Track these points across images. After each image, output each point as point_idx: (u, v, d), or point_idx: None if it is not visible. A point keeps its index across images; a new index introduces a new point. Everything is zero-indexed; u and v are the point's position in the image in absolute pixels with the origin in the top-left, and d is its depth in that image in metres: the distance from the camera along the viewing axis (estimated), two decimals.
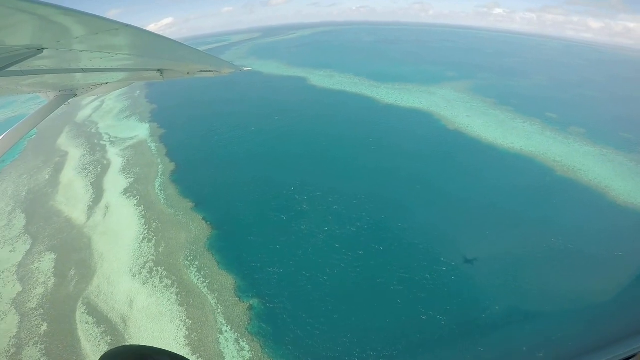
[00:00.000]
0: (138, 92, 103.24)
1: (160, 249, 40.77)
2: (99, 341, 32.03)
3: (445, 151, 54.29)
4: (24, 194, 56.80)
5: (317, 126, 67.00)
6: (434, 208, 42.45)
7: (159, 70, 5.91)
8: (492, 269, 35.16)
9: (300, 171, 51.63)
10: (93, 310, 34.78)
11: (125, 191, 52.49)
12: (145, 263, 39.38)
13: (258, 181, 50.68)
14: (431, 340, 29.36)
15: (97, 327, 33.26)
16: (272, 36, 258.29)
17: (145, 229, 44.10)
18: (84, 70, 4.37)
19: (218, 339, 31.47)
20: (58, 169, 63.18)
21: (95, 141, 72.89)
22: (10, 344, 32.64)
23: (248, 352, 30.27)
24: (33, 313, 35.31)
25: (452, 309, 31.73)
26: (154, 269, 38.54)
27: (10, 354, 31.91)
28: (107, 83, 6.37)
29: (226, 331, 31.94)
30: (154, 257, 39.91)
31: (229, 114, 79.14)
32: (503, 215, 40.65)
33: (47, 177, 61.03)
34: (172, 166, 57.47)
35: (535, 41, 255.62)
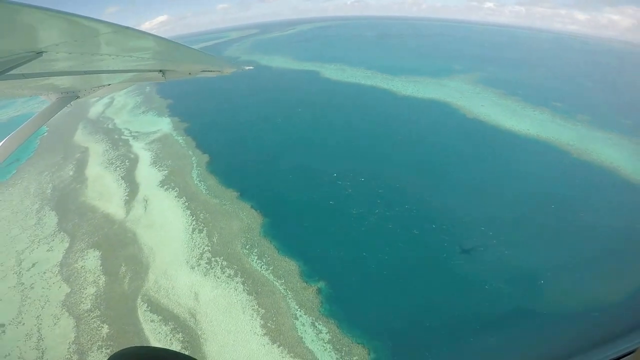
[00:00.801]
0: (148, 88, 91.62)
1: (215, 239, 35.15)
2: (170, 339, 26.66)
3: (471, 138, 51.52)
4: (49, 190, 47.90)
5: (341, 117, 61.85)
6: (471, 190, 39.75)
7: (160, 71, 5.09)
8: (534, 243, 33.09)
9: (337, 159, 46.91)
10: (156, 307, 29.08)
11: (162, 183, 45.37)
12: (201, 254, 33.71)
13: (297, 170, 45.48)
14: (496, 308, 26.80)
15: (165, 325, 27.73)
16: (271, 32, 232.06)
17: (193, 220, 38.01)
18: (85, 73, 3.85)
19: (294, 324, 27.19)
20: (81, 164, 54.05)
21: (116, 136, 63.32)
22: (71, 350, 26.50)
23: (326, 334, 26.31)
24: (89, 315, 29.05)
25: (511, 279, 29.30)
26: (213, 259, 33.06)
27: (78, 358, 25.78)
28: (109, 84, 5.44)
29: (301, 316, 27.68)
30: (209, 248, 34.28)
31: (249, 107, 71.61)
32: (535, 194, 38.66)
33: (70, 173, 51.96)
34: (205, 158, 50.53)
35: (526, 34, 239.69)
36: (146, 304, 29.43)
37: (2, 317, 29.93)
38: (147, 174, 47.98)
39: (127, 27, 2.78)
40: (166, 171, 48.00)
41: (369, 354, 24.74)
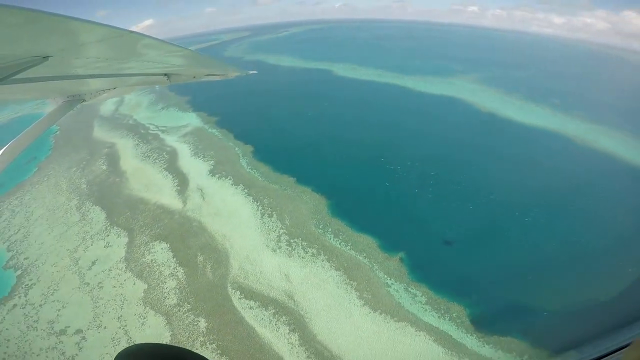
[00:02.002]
0: (158, 86, 76.24)
1: (287, 222, 29.69)
2: (275, 323, 21.76)
3: (490, 129, 49.24)
4: (84, 186, 37.34)
5: (366, 110, 55.99)
6: (506, 171, 37.86)
7: (165, 74, 4.18)
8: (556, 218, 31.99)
9: (376, 148, 42.51)
10: (250, 294, 23.65)
11: (212, 173, 37.56)
12: (278, 237, 28.23)
13: (344, 156, 40.67)
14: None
15: (265, 310, 22.61)
16: (264, 34, 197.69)
17: (258, 206, 31.81)
18: (91, 77, 3.31)
19: (389, 292, 23.86)
20: (113, 159, 43.03)
21: (142, 131, 51.58)
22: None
23: (421, 297, 23.48)
24: (179, 310, 22.69)
25: (559, 242, 28.65)
26: (291, 241, 27.83)
27: None
28: (115, 88, 4.34)
29: (392, 284, 24.38)
30: (284, 230, 28.86)
31: (275, 102, 62.62)
32: (555, 174, 37.44)
33: (103, 167, 41.05)
34: (249, 148, 42.86)
35: (509, 36, 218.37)
36: (238, 292, 23.73)
37: (76, 321, 22.28)
38: (192, 165, 39.46)
39: (132, 32, 2.24)
40: (212, 161, 39.86)
41: (465, 310, 22.42)
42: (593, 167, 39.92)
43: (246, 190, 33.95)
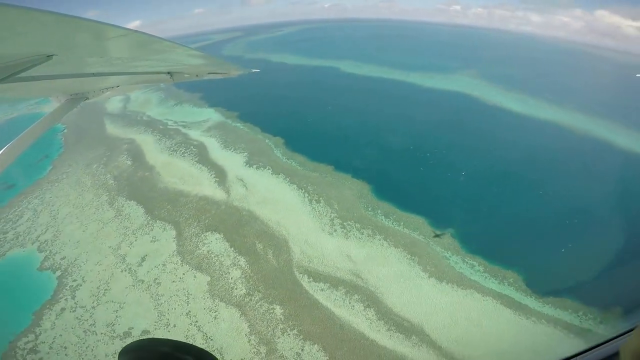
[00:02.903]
0: (163, 84, 68.47)
1: (336, 206, 27.69)
2: (349, 302, 20.25)
3: (498, 120, 48.90)
4: (112, 181, 32.57)
5: (384, 104, 53.12)
6: (523, 152, 37.78)
7: (168, 73, 3.90)
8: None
9: (404, 137, 40.71)
10: (318, 276, 21.69)
11: (248, 164, 34.24)
12: (331, 220, 26.25)
13: (375, 146, 38.47)
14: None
15: (337, 290, 20.86)
16: (257, 34, 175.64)
17: (304, 192, 29.45)
18: (94, 75, 3.05)
19: (449, 264, 23.02)
20: (136, 154, 38.02)
21: (160, 127, 46.12)
22: (252, 342, 18.27)
23: (479, 267, 22.89)
24: (250, 299, 20.35)
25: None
26: (345, 223, 26.00)
27: (265, 354, 17.51)
28: (118, 86, 4.09)
29: (450, 257, 23.54)
30: (336, 214, 26.90)
31: (292, 97, 58.34)
32: (563, 154, 38.21)
33: (128, 162, 36.11)
34: (279, 140, 39.56)
35: (491, 35, 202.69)
36: (306, 275, 21.61)
37: (140, 321, 19.01)
38: (225, 157, 35.77)
39: (136, 31, 2.10)
40: (245, 153, 36.34)
41: (519, 276, 22.06)
42: (594, 151, 40.50)
43: (288, 179, 31.25)
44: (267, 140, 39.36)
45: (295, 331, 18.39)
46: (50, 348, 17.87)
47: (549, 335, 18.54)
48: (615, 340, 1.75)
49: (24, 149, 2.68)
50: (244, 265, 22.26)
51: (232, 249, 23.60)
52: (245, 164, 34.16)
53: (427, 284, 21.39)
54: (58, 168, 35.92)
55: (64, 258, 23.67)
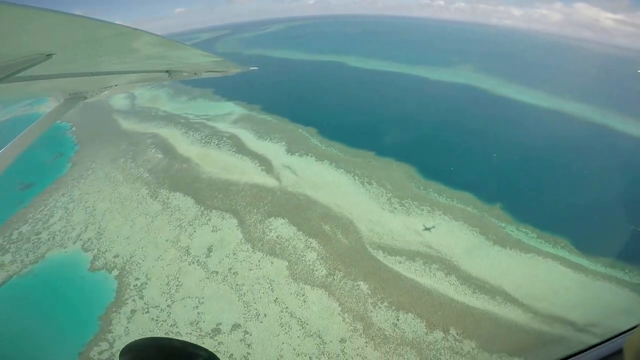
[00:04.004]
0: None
1: (389, 187, 26.34)
2: (430, 271, 19.92)
3: (508, 109, 47.70)
4: (147, 175, 28.33)
5: (403, 95, 51.01)
6: (540, 135, 37.42)
7: (167, 71, 3.55)
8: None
9: (430, 125, 39.27)
10: (392, 251, 20.78)
11: (289, 152, 31.59)
12: (389, 199, 24.85)
13: (410, 134, 36.61)
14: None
15: (414, 262, 20.01)
16: (245, 32, 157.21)
17: (353, 176, 27.75)
18: (92, 74, 2.78)
19: (506, 232, 23.30)
20: (166, 147, 33.68)
21: (181, 121, 41.69)
22: (347, 319, 17.50)
23: (532, 233, 23.21)
24: (333, 279, 18.90)
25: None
26: (402, 202, 24.76)
27: (362, 329, 15.62)
28: (116, 85, 3.71)
29: (505, 226, 23.57)
30: (391, 194, 25.51)
31: (307, 90, 54.43)
32: (568, 138, 37.89)
33: (159, 155, 31.69)
34: (311, 130, 37.25)
35: (475, 30, 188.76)
36: (380, 251, 20.20)
37: (226, 316, 16.50)
38: (264, 147, 32.74)
39: (135, 29, 1.89)
40: (283, 142, 33.40)
41: (567, 239, 22.37)
42: (600, 137, 40.71)
43: (333, 164, 29.17)
44: (300, 130, 37.25)
45: (385, 303, 17.03)
46: None
47: (606, 289, 19.26)
48: (619, 337, 1.58)
49: (24, 148, 2.42)
50: (317, 247, 20.21)
51: (301, 232, 21.35)
52: (286, 152, 31.46)
53: (493, 251, 21.05)
54: (79, 165, 30.64)
55: (116, 256, 19.93)
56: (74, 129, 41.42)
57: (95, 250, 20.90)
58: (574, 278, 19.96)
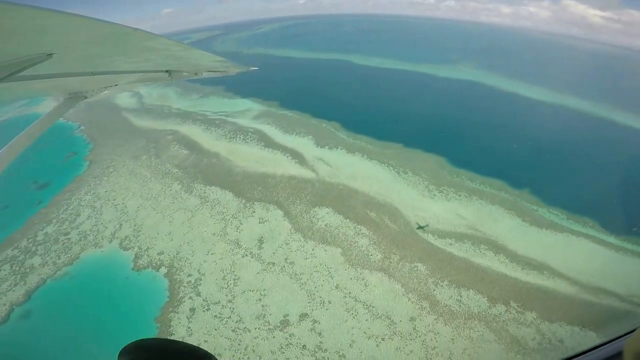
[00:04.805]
0: (175, 80, 56.94)
1: (424, 175, 26.90)
2: (480, 250, 20.84)
3: (516, 103, 49.82)
4: (176, 170, 27.25)
5: (415, 91, 51.97)
6: (549, 130, 38.80)
7: (167, 71, 3.50)
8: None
9: (453, 117, 40.53)
10: (440, 233, 21.74)
11: (319, 145, 31.89)
12: (426, 187, 25.58)
13: (432, 126, 37.66)
14: None
15: (464, 243, 21.11)
16: (239, 32, 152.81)
17: (388, 166, 28.62)
18: (93, 74, 2.78)
19: (539, 214, 24.57)
20: (189, 143, 32.79)
21: (199, 118, 40.79)
22: (412, 299, 18.20)
23: (562, 215, 24.57)
24: (390, 262, 19.73)
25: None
26: (440, 189, 25.76)
27: (429, 308, 15.83)
28: (116, 85, 3.70)
29: (537, 209, 25.28)
30: (427, 182, 26.28)
31: (320, 87, 53.61)
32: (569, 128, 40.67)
33: (184, 151, 30.66)
34: (335, 124, 37.05)
35: (466, 27, 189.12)
36: (429, 234, 20.90)
37: (291, 306, 16.42)
38: (292, 141, 32.74)
39: (136, 29, 1.86)
40: (310, 136, 33.46)
41: (593, 220, 23.64)
42: (604, 130, 42.88)
43: (365, 156, 29.52)
44: (324, 125, 37.43)
45: (445, 282, 17.41)
46: None
47: (637, 264, 19.82)
48: (619, 339, 1.55)
49: (24, 148, 2.40)
50: (367, 233, 20.33)
51: (348, 220, 21.33)
52: (315, 145, 31.57)
53: (532, 231, 22.23)
54: (98, 163, 28.98)
55: (161, 253, 18.91)
56: (82, 128, 39.41)
57: (136, 248, 19.92)
58: (606, 254, 21.28)
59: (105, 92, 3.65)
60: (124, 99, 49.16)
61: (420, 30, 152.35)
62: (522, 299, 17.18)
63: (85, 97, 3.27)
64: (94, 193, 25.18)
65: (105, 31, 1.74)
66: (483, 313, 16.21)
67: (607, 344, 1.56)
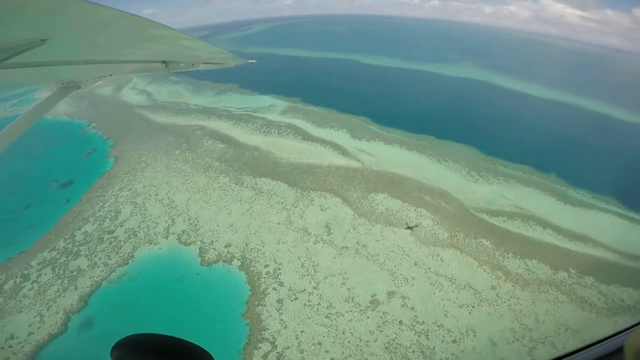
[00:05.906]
0: (174, 77, 54.20)
1: (462, 163, 29.13)
2: (530, 226, 21.69)
3: (521, 100, 52.58)
4: (217, 164, 26.67)
5: (428, 88, 53.53)
6: (557, 124, 42.12)
7: (163, 61, 3.59)
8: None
9: (470, 111, 42.44)
10: (493, 212, 23.48)
11: (355, 138, 33.10)
12: (468, 172, 27.77)
13: (456, 119, 39.00)
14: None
15: (514, 220, 23.11)
16: (226, 33, 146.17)
17: (427, 155, 30.39)
18: (87, 62, 2.64)
19: (569, 195, 26.45)
20: (223, 138, 32.18)
21: (224, 114, 39.21)
22: (488, 270, 19.16)
23: (587, 195, 26.62)
24: (457, 239, 21.37)
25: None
26: (480, 173, 28.01)
27: (503, 276, 16.97)
28: (111, 75, 3.79)
29: (566, 190, 27.55)
30: (467, 168, 28.42)
31: (333, 83, 53.74)
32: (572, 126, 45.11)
33: (221, 145, 29.86)
34: (365, 119, 36.97)
35: (453, 28, 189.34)
36: (483, 214, 22.46)
37: (378, 285, 17.19)
38: (328, 134, 33.54)
39: (134, 14, 1.69)
40: (344, 129, 34.17)
41: (617, 200, 25.90)
42: (591, 118, 47.71)
43: (404, 147, 30.93)
44: (353, 119, 38.24)
45: (510, 254, 18.81)
46: (302, 351, 13.49)
47: None
48: (620, 335, 1.63)
49: (15, 137, 2.39)
50: (428, 215, 21.23)
51: (406, 203, 22.02)
52: (352, 138, 32.44)
53: (566, 208, 24.65)
54: (125, 159, 27.15)
55: (228, 245, 18.11)
56: (93, 125, 36.66)
57: (199, 243, 19.20)
58: (633, 227, 23.72)
59: (99, 82, 3.48)
60: (132, 96, 46.70)
61: (412, 30, 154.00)
62: (577, 266, 19.05)
63: (79, 87, 3.10)
64: (130, 189, 23.79)
65: (102, 16, 1.60)
66: (550, 279, 17.92)
67: (608, 339, 1.58)
